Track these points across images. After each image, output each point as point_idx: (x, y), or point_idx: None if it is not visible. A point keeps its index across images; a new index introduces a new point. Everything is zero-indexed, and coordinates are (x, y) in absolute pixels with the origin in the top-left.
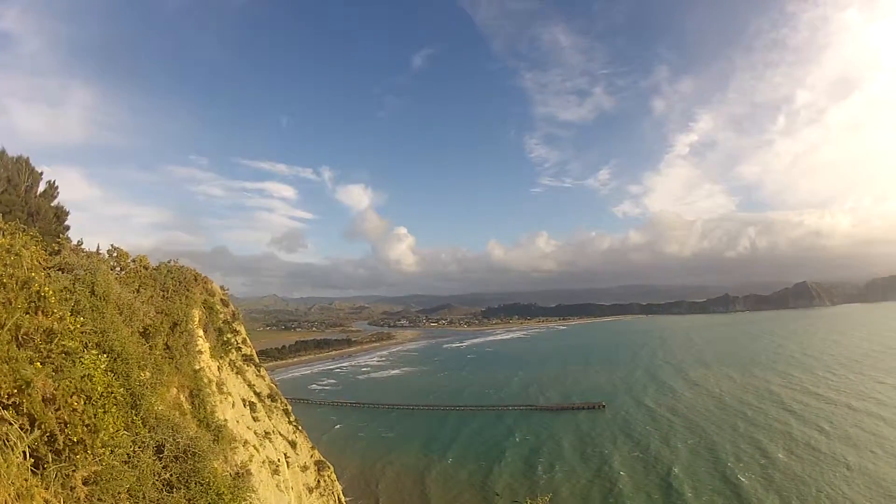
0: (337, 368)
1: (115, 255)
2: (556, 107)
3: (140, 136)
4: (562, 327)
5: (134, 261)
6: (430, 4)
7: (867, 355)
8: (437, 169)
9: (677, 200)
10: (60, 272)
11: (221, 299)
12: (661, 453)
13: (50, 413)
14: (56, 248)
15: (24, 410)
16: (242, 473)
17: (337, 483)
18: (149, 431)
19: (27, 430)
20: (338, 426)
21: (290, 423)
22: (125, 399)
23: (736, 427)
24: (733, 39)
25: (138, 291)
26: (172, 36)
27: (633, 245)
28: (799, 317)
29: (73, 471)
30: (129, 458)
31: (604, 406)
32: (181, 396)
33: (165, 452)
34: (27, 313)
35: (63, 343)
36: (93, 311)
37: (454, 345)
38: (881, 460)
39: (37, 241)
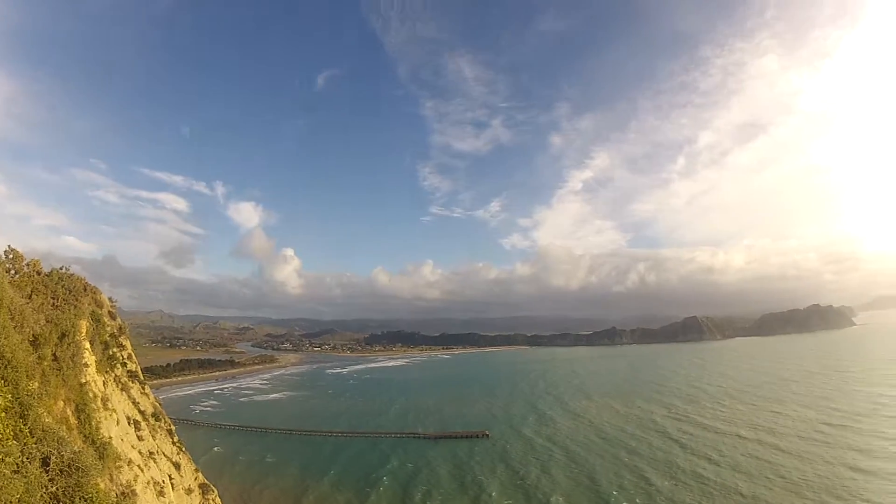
0: (218, 390)
1: (10, 257)
2: (453, 136)
3: (50, 134)
4: (445, 356)
5: (28, 265)
6: (341, 25)
7: (757, 386)
8: (330, 191)
9: (567, 235)
10: None
11: (109, 312)
12: (541, 482)
13: None
14: None
15: None
16: (128, 493)
17: None
18: (36, 443)
19: None
20: (217, 448)
21: (173, 443)
22: (13, 408)
23: (618, 457)
24: (640, 81)
25: (30, 298)
26: (92, 32)
27: (520, 277)
28: (688, 350)
29: None
30: (19, 468)
31: (487, 435)
32: (67, 410)
33: (51, 465)
34: None
35: None
36: None
37: (336, 370)
38: (777, 486)
39: None
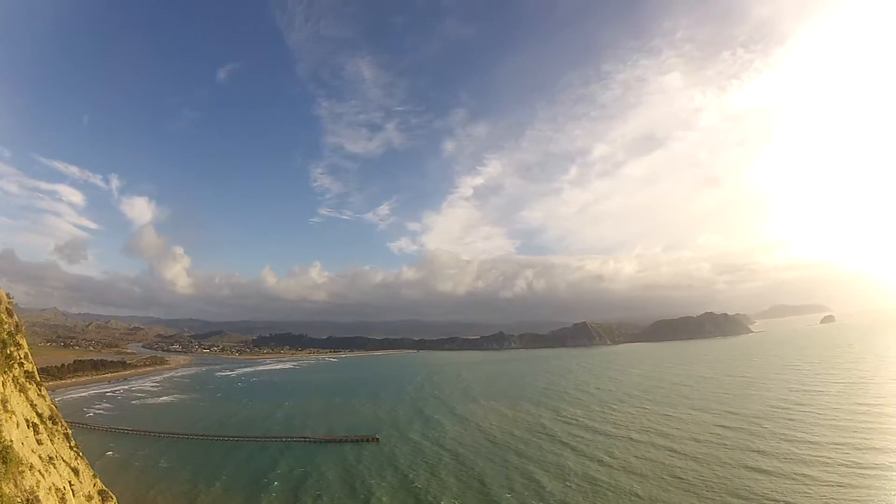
0: (111, 392)
1: None
2: (346, 138)
3: None
4: (333, 359)
5: None
6: (245, 18)
7: (647, 391)
8: (221, 188)
9: (456, 240)
10: None
11: (7, 308)
12: (431, 486)
13: None
14: None
15: None
16: (32, 500)
17: None
18: None
19: None
20: (110, 452)
21: (71, 448)
22: None
23: (508, 460)
24: (538, 91)
25: None
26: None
27: (407, 281)
28: (577, 354)
29: None
30: None
31: (377, 439)
32: None
33: None
34: None
35: None
36: None
37: (225, 373)
38: (673, 487)
39: None
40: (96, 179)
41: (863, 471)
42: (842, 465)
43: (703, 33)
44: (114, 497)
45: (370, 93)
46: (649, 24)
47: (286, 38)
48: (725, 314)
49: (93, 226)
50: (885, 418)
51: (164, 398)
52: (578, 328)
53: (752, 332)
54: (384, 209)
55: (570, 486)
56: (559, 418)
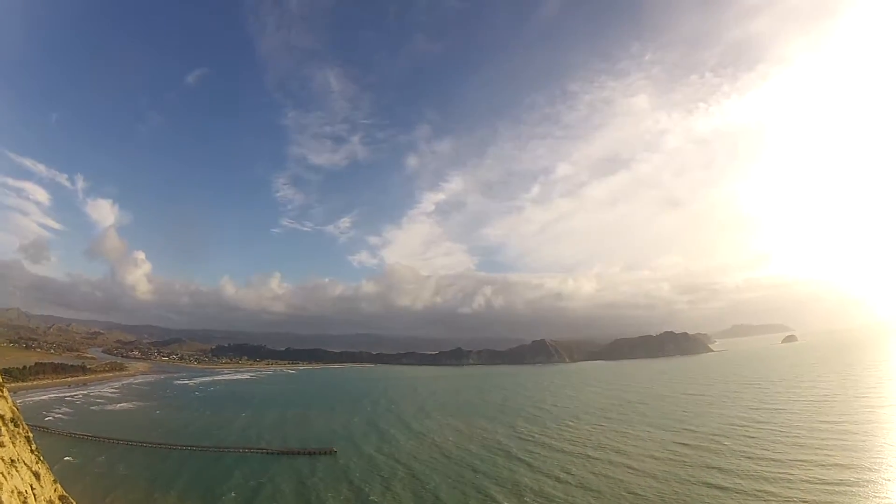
0: (70, 396)
1: None
2: (310, 149)
3: None
4: (291, 371)
5: None
6: (216, 22)
7: (605, 409)
8: (184, 194)
9: (416, 255)
10: None
11: None
12: (385, 500)
13: None
14: None
15: None
16: None
17: None
18: None
19: None
20: (68, 458)
21: (32, 451)
22: None
23: (463, 476)
24: (503, 109)
25: None
26: None
27: (366, 295)
28: (534, 372)
29: None
30: None
31: (334, 452)
32: None
33: None
34: None
35: None
36: None
37: (183, 382)
38: (629, 502)
39: None
40: (62, 179)
41: (827, 487)
42: (805, 481)
43: (671, 56)
44: (74, 503)
45: (336, 105)
46: (618, 46)
47: (257, 46)
48: (686, 333)
49: (57, 226)
50: (848, 435)
51: (123, 405)
52: (537, 345)
53: (713, 350)
54: (345, 222)
55: (524, 503)
56: (515, 435)
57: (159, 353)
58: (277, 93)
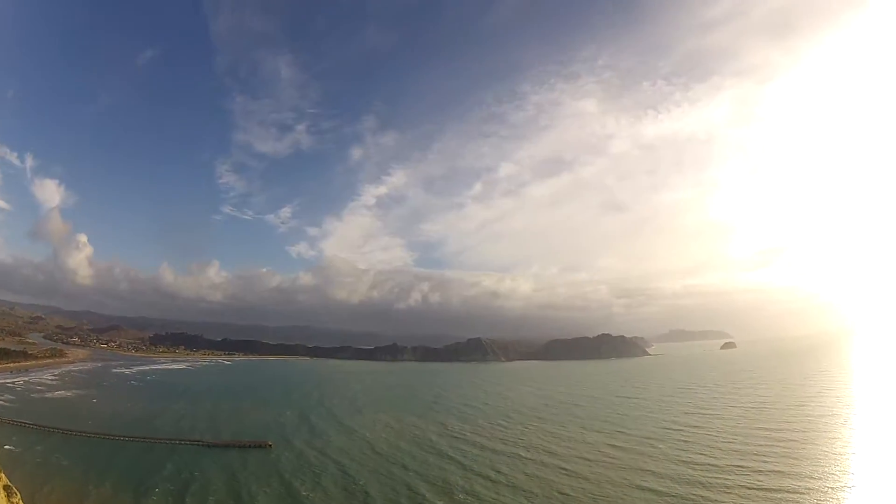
0: (11, 383)
1: None
2: (255, 136)
3: None
4: (227, 362)
5: None
6: (171, 4)
7: (537, 409)
8: (127, 177)
9: (354, 248)
10: None
11: None
12: (315, 496)
13: None
14: None
15: None
16: None
17: None
18: None
19: None
20: (8, 446)
21: None
22: None
23: (393, 473)
24: (450, 105)
25: None
26: None
27: (303, 286)
28: (469, 370)
29: None
30: None
31: (270, 445)
32: None
33: None
34: None
35: None
36: None
37: (121, 370)
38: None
39: None
40: (12, 157)
41: (766, 493)
42: (743, 487)
43: (625, 63)
44: (18, 493)
45: (285, 92)
46: (571, 49)
47: (211, 27)
48: (622, 336)
49: (4, 205)
50: (788, 443)
51: (62, 392)
52: (472, 343)
53: (650, 354)
54: (286, 211)
55: (454, 501)
56: (447, 432)
57: (98, 339)
58: (227, 77)
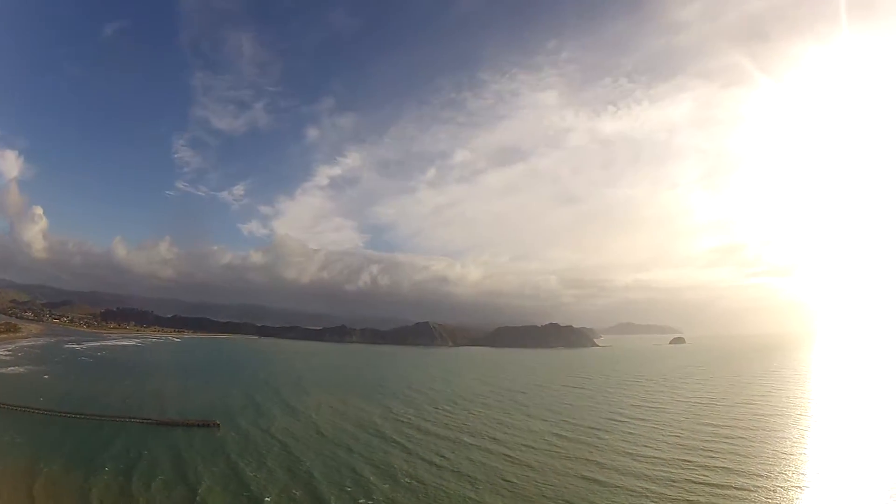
0: None
1: None
2: (213, 112)
3: None
4: (176, 339)
5: None
6: None
7: (483, 395)
8: (86, 149)
9: (306, 228)
10: None
11: None
12: (260, 476)
13: None
14: None
15: None
16: None
17: None
18: None
19: None
20: None
21: None
22: None
23: (337, 455)
24: (409, 90)
25: None
26: None
27: (254, 265)
28: (416, 353)
29: None
30: None
31: (217, 424)
32: None
33: None
34: None
35: None
36: None
37: (73, 346)
38: (505, 492)
39: None
40: None
41: (713, 489)
42: (689, 481)
43: (588, 57)
44: None
45: (246, 69)
46: (535, 41)
47: (177, 1)
48: (571, 326)
49: None
50: (735, 440)
51: (14, 368)
52: (420, 327)
53: (598, 345)
54: (239, 189)
55: (398, 485)
56: (391, 416)
57: (51, 314)
58: (189, 51)
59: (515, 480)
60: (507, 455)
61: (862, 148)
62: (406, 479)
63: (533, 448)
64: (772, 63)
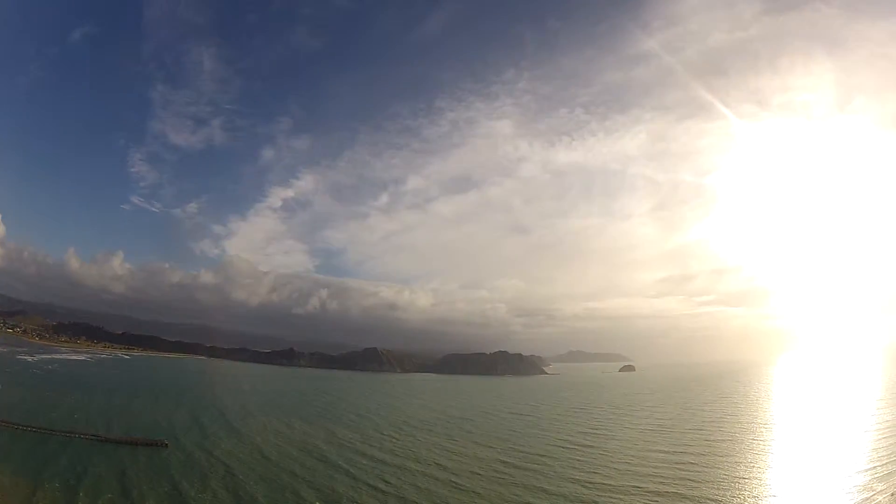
0: None
1: None
2: (171, 127)
3: None
4: (126, 357)
5: None
6: None
7: (428, 421)
8: (50, 157)
9: (257, 250)
10: None
11: None
12: (203, 498)
13: None
14: None
15: None
16: None
17: None
18: None
19: None
20: None
21: None
22: None
23: (280, 479)
24: (366, 115)
25: None
26: None
27: (204, 284)
28: (363, 379)
29: None
30: None
31: (166, 444)
32: None
33: None
34: None
35: None
36: None
37: (26, 357)
38: None
39: None
40: None
41: None
42: None
43: (545, 88)
44: None
45: (205, 86)
46: (493, 70)
47: (144, 11)
48: (520, 354)
49: None
50: (687, 465)
51: None
52: (369, 353)
53: (547, 373)
54: (192, 207)
55: None
56: (335, 440)
57: (5, 324)
58: (152, 63)
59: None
60: (453, 482)
61: (816, 180)
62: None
63: (479, 475)
64: (730, 97)
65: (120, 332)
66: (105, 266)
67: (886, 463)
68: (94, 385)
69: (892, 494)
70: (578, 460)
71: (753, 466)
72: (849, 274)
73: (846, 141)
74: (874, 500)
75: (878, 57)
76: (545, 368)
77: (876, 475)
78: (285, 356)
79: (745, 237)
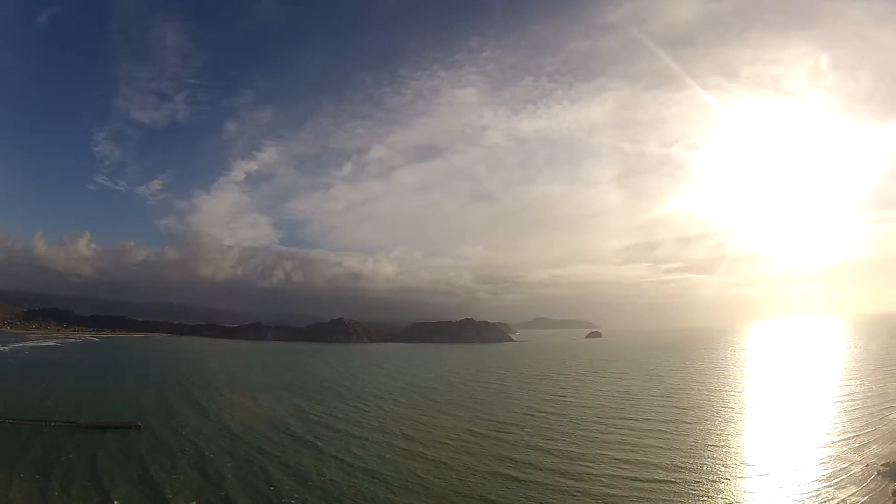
0: None
1: None
2: (135, 104)
3: None
4: (95, 339)
5: None
6: None
7: (393, 391)
8: (19, 140)
9: (222, 224)
10: None
11: None
12: (173, 478)
13: None
14: None
15: None
16: None
17: None
18: None
19: None
20: None
21: None
22: None
23: (249, 456)
24: (329, 85)
25: None
26: None
27: (169, 262)
28: (330, 350)
29: None
30: None
31: (139, 426)
32: None
33: None
34: None
35: None
36: None
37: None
38: (419, 489)
39: None
40: None
41: (634, 483)
42: (608, 475)
43: (510, 57)
44: None
45: (168, 60)
46: (458, 38)
47: None
48: (486, 321)
49: None
50: (655, 433)
51: None
52: (335, 324)
53: (513, 340)
54: (156, 184)
55: (309, 486)
56: (302, 414)
57: None
58: (116, 40)
59: (429, 477)
60: (420, 452)
61: (783, 151)
62: (318, 478)
63: (446, 444)
64: (698, 67)
65: (89, 315)
66: (72, 248)
67: (861, 434)
68: (64, 371)
69: (867, 465)
70: (546, 428)
71: (723, 434)
72: (816, 243)
73: (816, 115)
74: (849, 471)
75: (854, 35)
76: (511, 335)
77: (851, 446)
78: (251, 330)
79: (712, 206)
